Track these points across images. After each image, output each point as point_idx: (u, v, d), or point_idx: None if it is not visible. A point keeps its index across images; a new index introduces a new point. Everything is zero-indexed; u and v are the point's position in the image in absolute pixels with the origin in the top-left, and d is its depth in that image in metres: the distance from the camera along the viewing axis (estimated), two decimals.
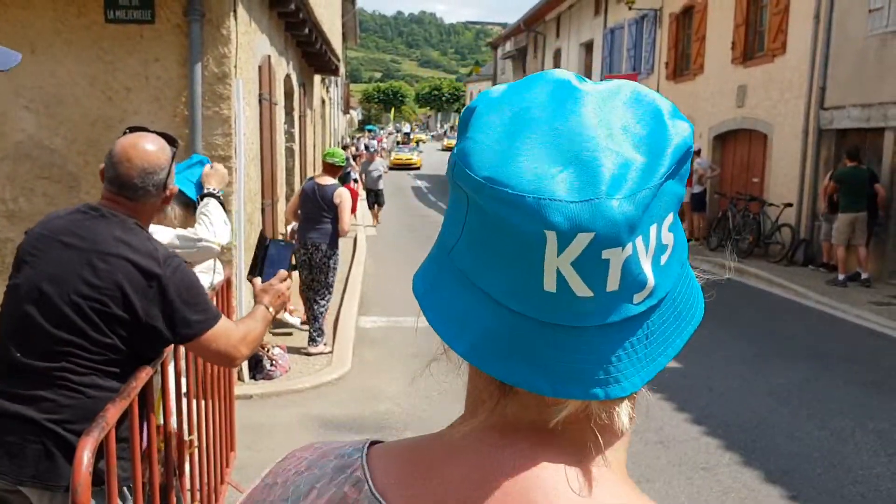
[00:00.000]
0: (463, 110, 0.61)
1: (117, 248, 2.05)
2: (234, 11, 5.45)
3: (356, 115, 77.30)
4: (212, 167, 3.33)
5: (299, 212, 6.86)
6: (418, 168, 42.11)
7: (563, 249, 0.53)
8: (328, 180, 6.74)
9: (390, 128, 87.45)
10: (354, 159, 32.32)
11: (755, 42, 14.42)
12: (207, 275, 3.26)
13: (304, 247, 6.79)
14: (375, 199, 17.72)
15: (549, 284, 0.54)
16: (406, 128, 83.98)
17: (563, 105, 0.58)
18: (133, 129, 2.33)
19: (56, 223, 2.13)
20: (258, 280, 2.97)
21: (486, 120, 0.58)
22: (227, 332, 2.21)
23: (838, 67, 11.57)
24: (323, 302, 6.92)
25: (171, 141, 2.33)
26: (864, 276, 10.32)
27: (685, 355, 6.95)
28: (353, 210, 14.09)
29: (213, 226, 3.11)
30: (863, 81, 10.93)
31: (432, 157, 49.03)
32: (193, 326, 2.12)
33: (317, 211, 6.69)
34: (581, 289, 0.54)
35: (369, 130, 77.17)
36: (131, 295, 2.02)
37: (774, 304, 9.73)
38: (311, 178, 6.99)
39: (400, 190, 30.91)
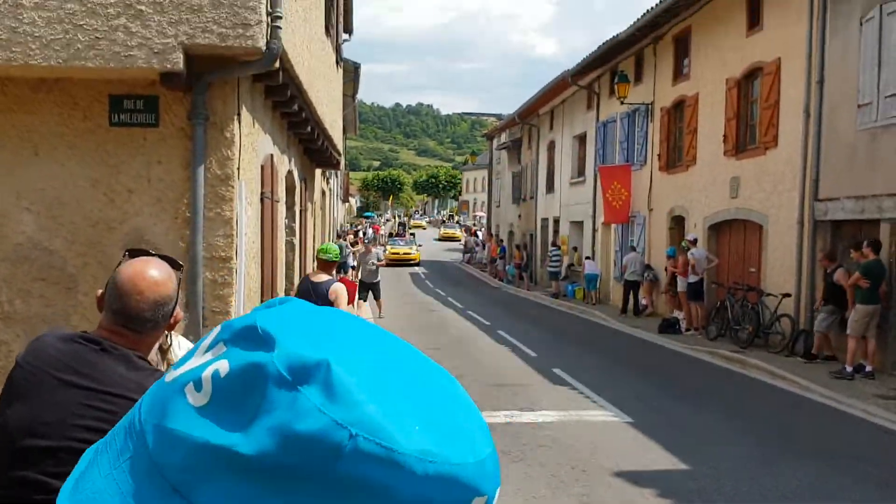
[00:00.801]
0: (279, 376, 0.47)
1: (122, 388, 1.90)
2: (239, 115, 5.55)
3: (355, 202, 78.31)
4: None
5: None
6: (417, 263, 38.72)
7: None
8: (323, 277, 6.70)
9: (388, 215, 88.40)
10: (353, 245, 32.44)
11: (747, 135, 14.73)
12: None
13: None
14: (373, 291, 16.94)
15: None
16: (402, 217, 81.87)
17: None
18: (133, 253, 2.18)
19: (50, 354, 1.98)
20: None
21: (364, 378, 0.48)
22: None
23: (830, 160, 11.77)
24: None
25: (175, 265, 2.25)
26: (868, 368, 10.21)
27: (692, 455, 6.78)
28: (351, 301, 14.00)
29: None
30: (855, 174, 11.10)
31: (430, 246, 49.30)
32: None
33: None
34: None
35: (367, 217, 78.07)
36: None
37: (779, 398, 9.58)
38: (306, 276, 6.94)
39: (397, 277, 30.96)
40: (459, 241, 57.17)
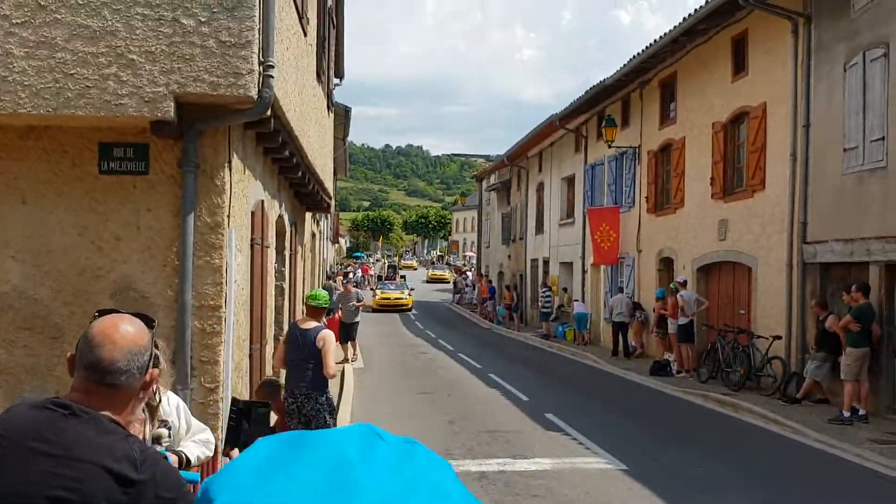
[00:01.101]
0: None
1: (92, 454, 1.82)
2: (230, 162, 5.53)
3: (344, 243, 78.25)
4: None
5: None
6: (409, 309, 34.81)
7: None
8: (311, 324, 6.62)
9: (378, 255, 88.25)
10: (345, 285, 32.32)
11: (734, 178, 14.85)
12: (204, 448, 3.08)
13: (291, 395, 6.59)
14: (347, 333, 16.59)
15: None
16: (392, 258, 78.38)
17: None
18: (103, 312, 2.11)
19: (20, 423, 1.87)
20: (235, 452, 2.83)
21: None
22: None
23: (818, 203, 11.86)
24: None
25: (148, 322, 2.18)
26: (861, 412, 10.16)
27: None
28: (338, 340, 13.87)
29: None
30: (843, 217, 11.18)
31: (419, 287, 49.10)
32: None
33: (302, 357, 6.53)
34: None
35: (356, 258, 77.86)
36: None
37: (773, 443, 9.49)
38: (295, 323, 6.86)
39: (388, 317, 30.80)
40: (448, 282, 55.88)
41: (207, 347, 5.38)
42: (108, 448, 1.84)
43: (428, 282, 61.11)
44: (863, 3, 10.79)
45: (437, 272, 64.56)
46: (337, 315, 16.32)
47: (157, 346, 2.69)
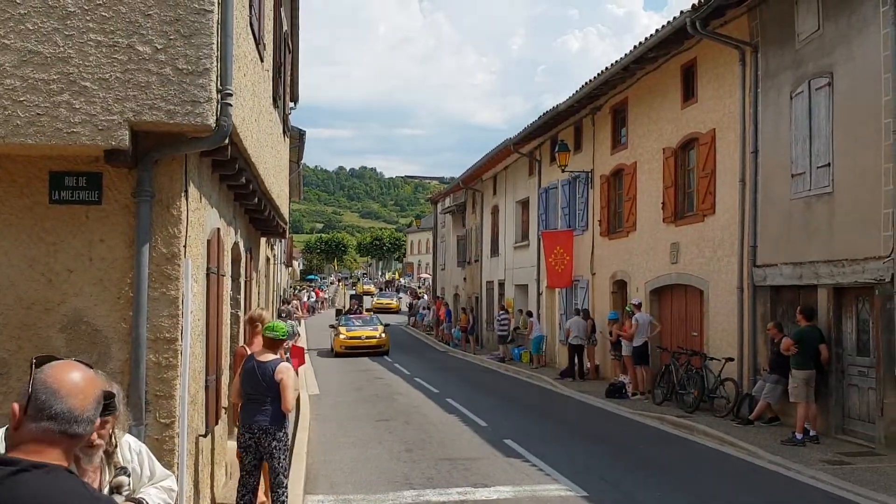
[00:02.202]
0: None
1: None
2: (186, 191, 5.42)
3: (298, 265, 77.44)
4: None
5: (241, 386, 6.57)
6: (385, 351, 26.47)
7: None
8: (269, 356, 6.49)
9: (333, 277, 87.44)
10: (295, 313, 31.75)
11: (685, 203, 15.14)
12: (165, 495, 2.96)
13: (248, 430, 6.44)
14: None
15: None
16: (352, 286, 68.78)
17: None
18: (41, 360, 2.01)
19: None
20: None
21: None
22: None
23: (767, 227, 12.15)
24: (282, 490, 6.50)
25: (88, 367, 2.11)
26: (812, 432, 10.36)
27: None
28: (303, 363, 13.65)
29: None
30: (792, 241, 11.46)
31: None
32: None
33: (260, 391, 6.39)
34: None
35: (310, 280, 77.00)
36: None
37: (729, 466, 9.61)
38: (252, 355, 6.72)
39: None
40: (397, 311, 50.35)
41: (163, 381, 5.22)
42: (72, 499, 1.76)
43: (371, 310, 54.17)
44: (807, 33, 11.16)
45: (384, 300, 53.91)
46: (296, 338, 16.11)
47: (112, 391, 2.61)
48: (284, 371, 6.39)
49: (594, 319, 18.62)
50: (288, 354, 7.02)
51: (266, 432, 6.36)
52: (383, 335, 26.75)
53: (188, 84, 5.02)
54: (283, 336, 6.59)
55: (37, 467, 1.78)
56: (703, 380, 13.29)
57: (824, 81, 10.74)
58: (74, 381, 1.95)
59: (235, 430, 9.33)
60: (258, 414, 6.38)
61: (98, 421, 2.04)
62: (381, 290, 66.80)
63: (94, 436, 2.15)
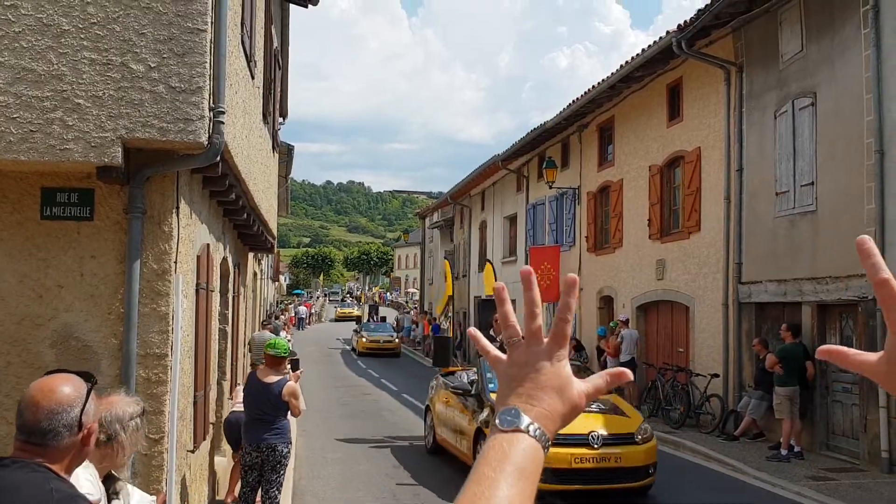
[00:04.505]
0: None
1: (4, 497, 1.86)
2: (177, 208, 5.45)
3: (284, 280, 77.19)
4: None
5: (243, 405, 6.66)
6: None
7: None
8: (273, 377, 6.52)
9: (318, 293, 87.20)
10: (284, 326, 31.66)
11: (671, 219, 15.29)
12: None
13: (256, 449, 6.48)
14: None
15: None
16: (370, 296, 68.90)
17: None
18: (50, 372, 2.18)
19: None
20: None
21: None
22: None
23: (752, 245, 12.29)
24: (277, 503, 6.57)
25: (86, 377, 2.20)
26: (797, 448, 10.45)
27: None
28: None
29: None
30: (776, 258, 11.60)
31: (333, 328, 48.42)
32: None
33: (267, 411, 6.45)
34: None
35: (297, 295, 76.69)
36: None
37: (716, 481, 9.67)
38: (253, 373, 6.76)
39: (327, 357, 30.38)
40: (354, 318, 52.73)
41: (152, 397, 5.23)
42: (19, 492, 1.88)
43: (337, 320, 58.08)
44: (791, 54, 11.36)
45: (346, 310, 60.38)
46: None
47: (142, 414, 2.72)
48: (292, 390, 6.49)
49: (578, 340, 18.69)
50: (289, 369, 7.05)
51: (274, 449, 6.47)
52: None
53: (181, 102, 5.07)
54: (284, 354, 6.64)
55: (13, 462, 1.95)
56: (689, 396, 13.37)
57: (808, 101, 10.92)
58: (36, 395, 2.09)
59: (223, 445, 9.32)
60: (266, 432, 6.45)
61: (82, 431, 2.11)
62: (342, 299, 73.64)
63: (87, 441, 2.20)
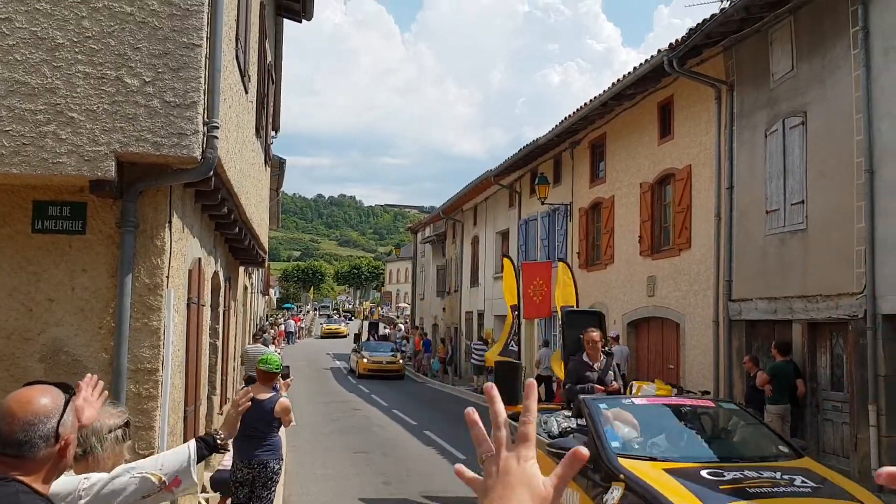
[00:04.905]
0: None
1: None
2: (170, 222, 5.43)
3: (274, 293, 76.97)
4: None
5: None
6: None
7: None
8: (265, 394, 6.49)
9: (308, 307, 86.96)
10: (274, 340, 31.48)
11: (661, 236, 15.34)
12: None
13: (247, 465, 6.43)
14: None
15: None
16: (369, 312, 63.92)
17: None
18: (30, 384, 2.15)
19: None
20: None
21: None
22: None
23: (742, 262, 12.34)
24: None
25: (64, 388, 2.18)
26: None
27: None
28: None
29: (162, 458, 2.85)
30: (767, 276, 11.64)
31: (343, 342, 48.28)
32: None
33: (260, 427, 6.41)
34: None
35: (287, 308, 76.45)
36: None
37: None
38: (246, 388, 6.72)
39: (317, 373, 30.25)
40: (345, 336, 51.51)
41: (143, 412, 5.19)
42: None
43: (323, 336, 55.40)
44: (781, 74, 11.45)
45: (332, 326, 58.03)
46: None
47: (125, 426, 2.66)
48: (284, 406, 6.46)
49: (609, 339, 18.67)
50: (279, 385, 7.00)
51: (265, 466, 6.43)
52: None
53: (175, 116, 5.07)
54: (276, 369, 6.59)
55: None
56: None
57: (798, 120, 11.01)
58: (11, 407, 2.09)
59: (212, 462, 9.24)
60: (258, 449, 6.42)
61: (59, 442, 2.09)
62: (328, 316, 68.44)
63: (65, 453, 2.17)
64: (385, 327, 46.35)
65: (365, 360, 29.28)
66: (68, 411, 2.10)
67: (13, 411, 2.01)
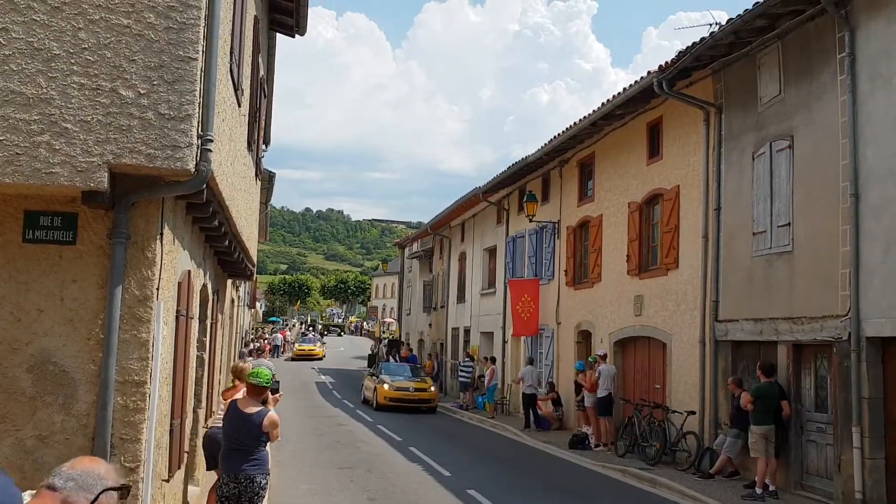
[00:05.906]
0: None
1: None
2: (161, 234, 5.43)
3: (260, 307, 76.58)
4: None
5: (222, 433, 6.58)
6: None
7: None
8: (253, 408, 6.45)
9: (294, 320, 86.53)
10: (260, 353, 31.23)
11: (649, 256, 15.42)
12: None
13: (234, 480, 6.38)
14: None
15: None
16: (387, 330, 56.68)
17: None
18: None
19: None
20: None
21: None
22: None
23: (729, 283, 12.43)
24: None
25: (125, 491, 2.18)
26: (771, 487, 10.48)
27: None
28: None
29: None
30: (753, 297, 11.73)
31: (334, 355, 48.01)
32: None
33: (247, 441, 6.37)
34: None
35: (273, 322, 76.03)
36: None
37: None
38: (234, 403, 6.68)
39: (303, 386, 30.07)
40: (321, 358, 45.44)
41: (129, 425, 5.16)
42: None
43: (293, 359, 45.72)
44: (769, 97, 11.60)
45: (306, 346, 47.44)
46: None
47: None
48: (272, 420, 6.44)
49: (553, 382, 18.76)
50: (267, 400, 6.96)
51: (252, 480, 6.40)
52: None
53: (170, 129, 5.08)
54: (266, 383, 6.54)
55: None
56: (666, 432, 13.39)
57: (785, 144, 11.14)
58: None
59: (195, 474, 9.17)
60: (244, 463, 6.37)
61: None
62: (303, 333, 58.45)
63: None
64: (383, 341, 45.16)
65: (386, 386, 23.03)
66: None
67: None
